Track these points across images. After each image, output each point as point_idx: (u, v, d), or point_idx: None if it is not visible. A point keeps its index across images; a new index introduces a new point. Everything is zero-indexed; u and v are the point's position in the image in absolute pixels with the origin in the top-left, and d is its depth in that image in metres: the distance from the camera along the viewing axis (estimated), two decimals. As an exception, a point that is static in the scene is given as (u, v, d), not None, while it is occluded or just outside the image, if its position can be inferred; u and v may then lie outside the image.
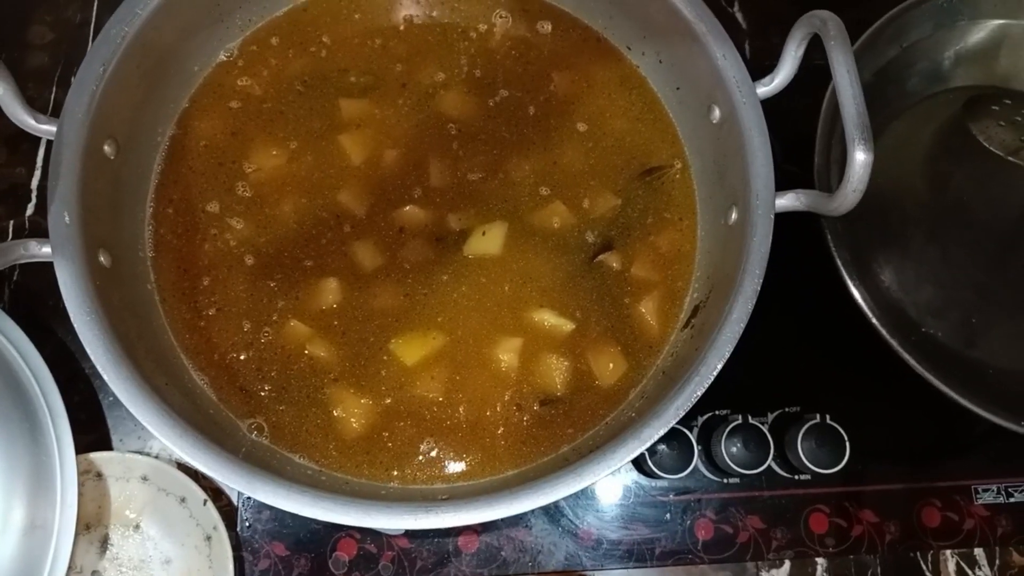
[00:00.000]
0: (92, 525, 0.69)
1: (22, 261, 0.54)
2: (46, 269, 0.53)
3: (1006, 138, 0.71)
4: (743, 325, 0.54)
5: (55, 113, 0.57)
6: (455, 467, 0.61)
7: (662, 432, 0.52)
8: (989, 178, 0.73)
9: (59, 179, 0.54)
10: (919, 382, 0.65)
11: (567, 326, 0.63)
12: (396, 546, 0.70)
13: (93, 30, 0.81)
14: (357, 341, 0.62)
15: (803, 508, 0.73)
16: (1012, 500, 0.74)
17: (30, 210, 0.77)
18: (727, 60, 0.60)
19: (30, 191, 0.78)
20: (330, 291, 0.63)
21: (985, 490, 0.74)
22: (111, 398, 0.72)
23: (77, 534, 0.64)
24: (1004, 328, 0.72)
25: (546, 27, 0.70)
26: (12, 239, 0.76)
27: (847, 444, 0.68)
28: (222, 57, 0.68)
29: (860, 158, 0.53)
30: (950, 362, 0.69)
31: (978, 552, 0.73)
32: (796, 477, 0.73)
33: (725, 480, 0.73)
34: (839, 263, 0.68)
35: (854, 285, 0.68)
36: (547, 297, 0.64)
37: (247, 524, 0.70)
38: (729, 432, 0.69)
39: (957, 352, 0.71)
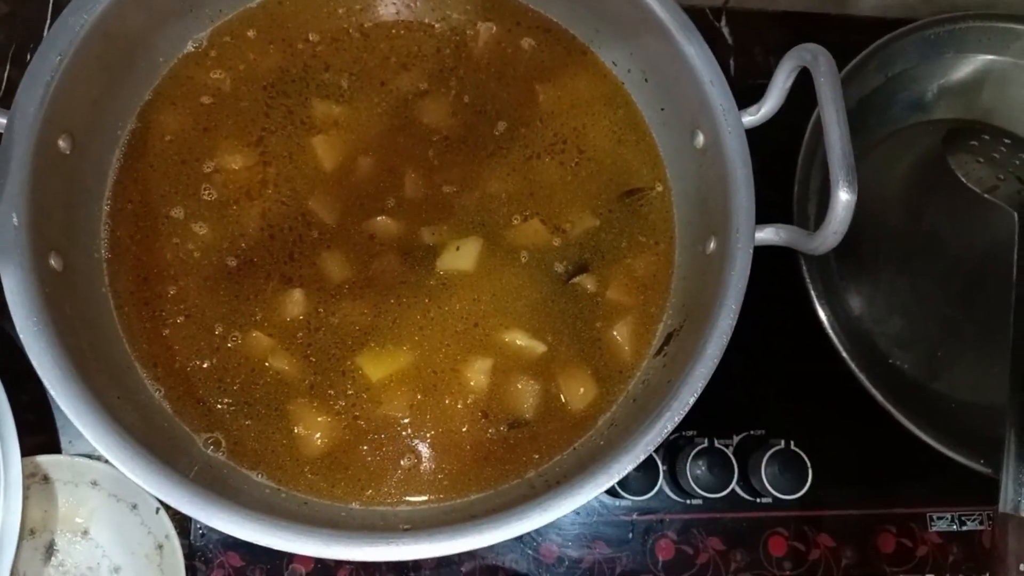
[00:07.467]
0: (37, 531, 0.67)
1: (-35, 265, 0.51)
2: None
3: (983, 175, 0.71)
4: (717, 361, 0.54)
5: (8, 95, 0.53)
6: (419, 488, 0.59)
7: (631, 467, 0.52)
8: (962, 213, 0.74)
9: (7, 177, 0.51)
10: (883, 413, 0.66)
11: (538, 348, 0.62)
12: (354, 559, 0.69)
13: (52, 5, 0.76)
14: (321, 355, 0.60)
15: (763, 531, 0.73)
16: (965, 528, 0.76)
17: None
18: (715, 86, 0.59)
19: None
20: (295, 302, 0.60)
21: (940, 518, 0.76)
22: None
23: (21, 540, 0.62)
24: (967, 363, 0.73)
25: (533, 37, 0.68)
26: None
27: (810, 471, 0.69)
28: (190, 48, 0.64)
29: (843, 199, 0.52)
30: (914, 395, 0.70)
31: (929, 578, 0.75)
32: (758, 500, 0.73)
33: (688, 501, 0.73)
34: (811, 291, 0.68)
35: (825, 314, 0.68)
36: (519, 317, 0.62)
37: (200, 533, 0.68)
38: (695, 455, 0.69)
39: (922, 385, 0.72)
